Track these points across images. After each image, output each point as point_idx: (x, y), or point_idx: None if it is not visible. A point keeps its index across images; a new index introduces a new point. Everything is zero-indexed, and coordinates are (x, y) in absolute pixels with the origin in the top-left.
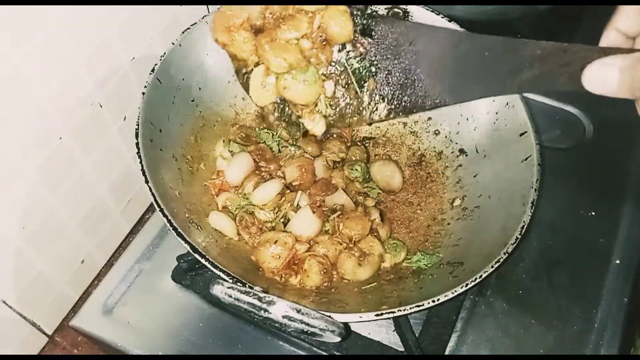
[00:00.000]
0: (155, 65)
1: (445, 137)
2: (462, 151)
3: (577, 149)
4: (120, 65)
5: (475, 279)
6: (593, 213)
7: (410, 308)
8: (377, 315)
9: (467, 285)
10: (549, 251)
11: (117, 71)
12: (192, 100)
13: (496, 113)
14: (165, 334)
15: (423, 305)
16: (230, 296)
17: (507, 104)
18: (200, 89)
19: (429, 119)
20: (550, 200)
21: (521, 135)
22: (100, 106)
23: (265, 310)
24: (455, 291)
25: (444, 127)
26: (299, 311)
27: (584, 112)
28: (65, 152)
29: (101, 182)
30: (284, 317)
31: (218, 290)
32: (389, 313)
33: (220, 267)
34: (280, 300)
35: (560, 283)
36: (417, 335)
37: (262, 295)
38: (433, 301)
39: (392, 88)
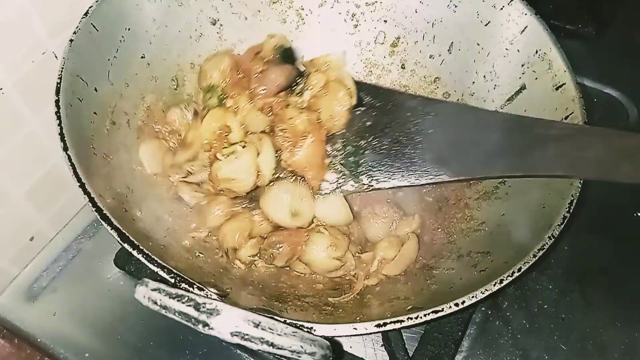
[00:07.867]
0: (90, 7)
1: (458, 100)
2: None
3: None
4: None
5: (513, 272)
6: None
7: (425, 315)
8: (378, 325)
9: (501, 281)
10: (585, 258)
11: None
12: (142, 57)
13: (522, 65)
14: (97, 332)
15: (442, 310)
16: (156, 303)
17: (537, 52)
18: (151, 43)
19: (437, 79)
20: (588, 197)
21: (557, 88)
22: (55, 57)
23: (205, 325)
24: (487, 290)
25: (455, 88)
26: (257, 325)
27: (627, 94)
28: (8, 107)
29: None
30: (233, 334)
31: (140, 294)
32: (395, 323)
33: (143, 248)
34: (229, 309)
35: (598, 299)
36: (410, 354)
37: (201, 301)
38: (456, 304)
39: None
